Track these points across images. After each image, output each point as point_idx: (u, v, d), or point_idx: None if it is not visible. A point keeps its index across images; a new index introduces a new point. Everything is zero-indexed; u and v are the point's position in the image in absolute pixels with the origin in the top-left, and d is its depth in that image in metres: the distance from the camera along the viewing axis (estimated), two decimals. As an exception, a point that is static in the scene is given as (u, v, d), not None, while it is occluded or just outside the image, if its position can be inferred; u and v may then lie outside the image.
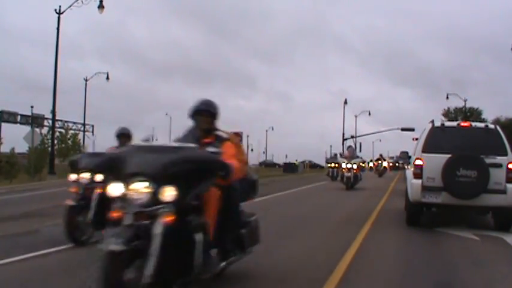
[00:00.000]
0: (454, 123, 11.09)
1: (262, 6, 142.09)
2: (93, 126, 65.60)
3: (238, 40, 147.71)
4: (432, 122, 10.58)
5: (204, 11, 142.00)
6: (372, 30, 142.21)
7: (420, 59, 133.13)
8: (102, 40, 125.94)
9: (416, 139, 13.15)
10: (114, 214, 3.86)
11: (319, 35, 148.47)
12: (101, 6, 29.86)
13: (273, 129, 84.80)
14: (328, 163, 34.77)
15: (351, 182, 20.75)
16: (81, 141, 48.07)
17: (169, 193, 3.79)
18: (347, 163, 21.22)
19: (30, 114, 54.05)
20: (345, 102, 66.66)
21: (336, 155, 39.78)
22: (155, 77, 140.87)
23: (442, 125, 10.67)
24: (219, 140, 5.01)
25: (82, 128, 56.21)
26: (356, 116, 72.03)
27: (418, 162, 9.91)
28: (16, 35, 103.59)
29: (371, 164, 52.19)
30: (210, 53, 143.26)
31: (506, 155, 9.64)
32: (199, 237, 4.15)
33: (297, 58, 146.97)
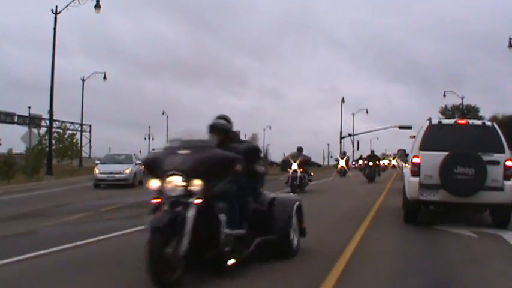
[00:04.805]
0: (451, 121, 11.11)
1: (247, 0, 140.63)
2: (90, 126, 65.56)
3: (225, 36, 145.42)
4: (429, 119, 10.59)
5: (187, 5, 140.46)
6: (360, 24, 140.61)
7: (412, 54, 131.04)
8: (87, 37, 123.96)
9: (414, 137, 13.16)
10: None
11: (306, 30, 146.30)
12: (97, 6, 29.77)
13: (270, 128, 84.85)
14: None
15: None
16: (78, 141, 47.98)
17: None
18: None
19: (27, 114, 53.99)
20: (342, 101, 66.74)
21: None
22: (143, 75, 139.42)
23: (440, 122, 10.69)
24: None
25: (79, 128, 56.23)
26: (353, 114, 72.18)
27: (416, 160, 9.92)
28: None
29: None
30: (198, 49, 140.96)
31: (503, 152, 9.65)
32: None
33: (285, 54, 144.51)
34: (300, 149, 20.10)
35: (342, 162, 36.46)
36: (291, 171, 18.93)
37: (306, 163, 19.89)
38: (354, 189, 21.89)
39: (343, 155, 40.80)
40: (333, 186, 24.92)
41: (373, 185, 25.63)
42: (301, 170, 18.94)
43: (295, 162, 18.90)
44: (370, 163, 29.17)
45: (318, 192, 19.55)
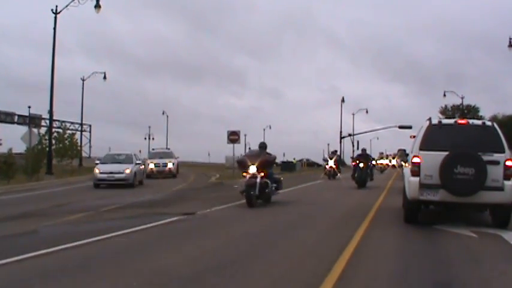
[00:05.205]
0: (451, 121, 11.11)
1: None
2: (90, 126, 65.62)
3: (224, 36, 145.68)
4: (429, 119, 10.59)
5: (187, 5, 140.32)
6: (360, 24, 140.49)
7: (412, 54, 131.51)
8: (87, 37, 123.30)
9: (414, 137, 13.15)
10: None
11: (306, 30, 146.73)
12: (97, 6, 29.72)
13: (270, 127, 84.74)
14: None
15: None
16: (78, 141, 47.94)
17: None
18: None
19: (27, 114, 54.00)
20: (342, 101, 66.75)
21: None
22: (143, 75, 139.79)
23: (440, 122, 10.69)
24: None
25: (79, 128, 56.27)
26: (353, 114, 72.17)
27: (416, 159, 9.92)
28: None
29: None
30: (197, 49, 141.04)
31: (503, 152, 9.65)
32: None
33: (285, 54, 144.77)
34: (262, 146, 15.07)
35: (331, 163, 31.68)
36: (247, 176, 13.78)
37: (269, 165, 14.60)
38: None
39: (332, 154, 34.88)
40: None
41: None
42: (262, 174, 13.72)
43: (253, 164, 13.77)
44: (361, 164, 23.75)
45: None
